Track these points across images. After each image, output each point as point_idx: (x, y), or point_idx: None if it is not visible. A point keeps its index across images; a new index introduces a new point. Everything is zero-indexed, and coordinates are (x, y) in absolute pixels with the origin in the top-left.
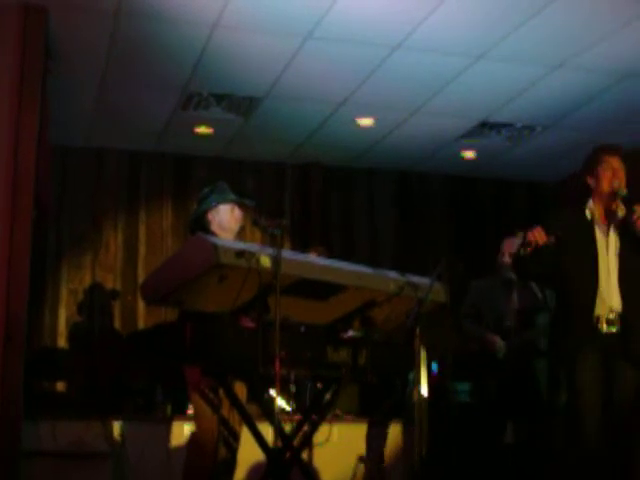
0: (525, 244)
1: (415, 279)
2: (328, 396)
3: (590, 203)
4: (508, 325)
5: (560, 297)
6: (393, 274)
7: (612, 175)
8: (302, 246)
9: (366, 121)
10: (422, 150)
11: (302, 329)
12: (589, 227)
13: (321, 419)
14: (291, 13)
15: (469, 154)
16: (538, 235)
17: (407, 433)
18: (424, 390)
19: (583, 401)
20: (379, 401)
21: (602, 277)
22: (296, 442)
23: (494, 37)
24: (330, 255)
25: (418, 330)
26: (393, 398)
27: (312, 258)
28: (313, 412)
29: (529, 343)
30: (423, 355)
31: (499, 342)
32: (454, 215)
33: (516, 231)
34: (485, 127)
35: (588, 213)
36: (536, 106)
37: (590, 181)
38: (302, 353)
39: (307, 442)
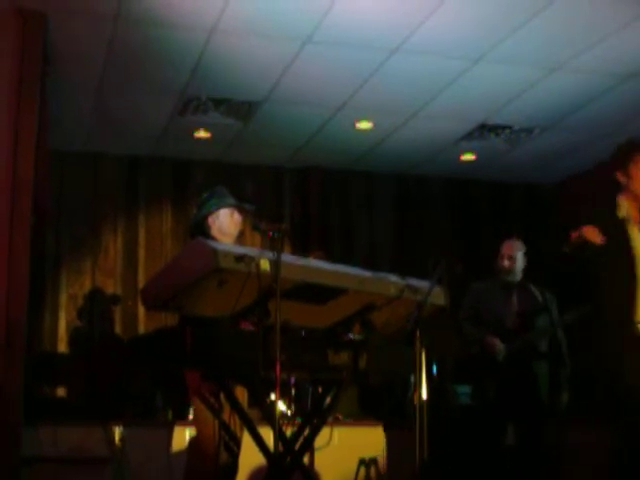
0: (574, 241)
1: (415, 282)
2: (329, 399)
3: (622, 200)
4: (508, 327)
5: (591, 298)
6: (393, 277)
7: None
8: (302, 250)
9: (365, 125)
10: (421, 153)
11: (302, 333)
12: (623, 227)
13: (322, 423)
14: (289, 17)
15: (467, 157)
16: (592, 234)
17: (408, 436)
18: (425, 393)
19: None
20: (380, 404)
21: None
22: (297, 446)
23: (492, 40)
24: (330, 259)
25: (418, 333)
26: (393, 401)
27: (312, 262)
28: (314, 416)
29: (529, 345)
30: (423, 358)
31: (499, 344)
32: (453, 218)
33: (514, 233)
34: (483, 129)
35: (622, 212)
36: (534, 108)
37: (621, 178)
38: (302, 357)
39: (308, 446)
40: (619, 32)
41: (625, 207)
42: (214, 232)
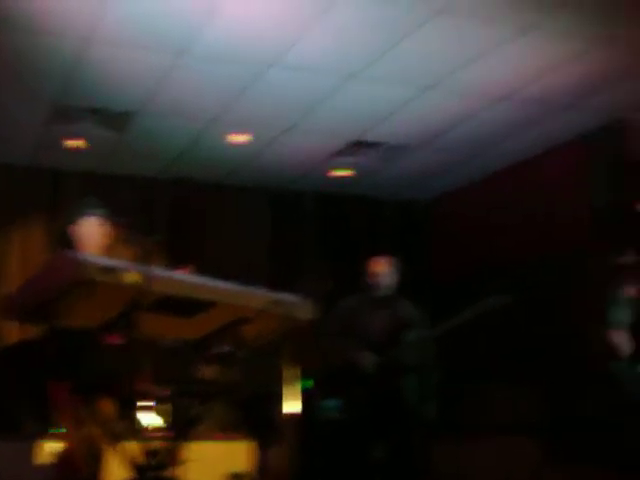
0: None
1: (284, 296)
2: (197, 413)
3: None
4: (376, 342)
5: None
6: (262, 291)
7: None
8: (173, 263)
9: (240, 138)
10: (295, 168)
11: (171, 346)
12: None
13: (190, 436)
14: (166, 29)
15: (342, 173)
16: None
17: (277, 450)
18: (294, 407)
19: None
20: (251, 418)
21: None
22: (164, 459)
23: (368, 57)
24: (201, 272)
25: (286, 347)
26: (262, 415)
27: (181, 275)
28: (182, 429)
29: (397, 359)
30: (294, 372)
31: (368, 358)
32: (327, 233)
33: (387, 249)
34: (358, 146)
35: None
36: (408, 126)
37: None
38: (171, 370)
39: (175, 460)
40: (492, 54)
41: None
42: (81, 242)
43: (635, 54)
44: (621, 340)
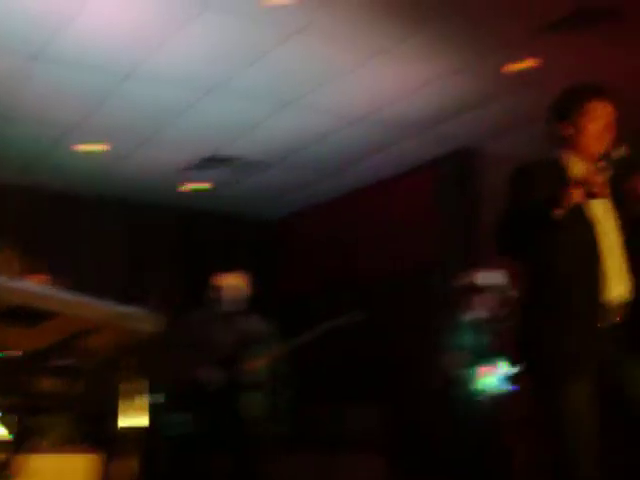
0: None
1: (128, 309)
2: (39, 425)
3: (571, 158)
4: (221, 358)
5: (546, 283)
6: (106, 303)
7: (602, 129)
8: (23, 272)
9: (95, 148)
10: (150, 181)
11: (11, 357)
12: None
13: (31, 449)
14: (18, 32)
15: (196, 187)
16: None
17: (122, 464)
18: (140, 421)
19: (579, 434)
20: (96, 431)
21: (607, 255)
22: (4, 473)
23: (226, 73)
24: (54, 282)
25: (131, 360)
26: (107, 428)
27: (24, 284)
28: (22, 442)
29: (243, 375)
30: (139, 385)
31: (212, 375)
32: (181, 247)
33: (239, 265)
34: (213, 161)
35: (575, 171)
36: (264, 142)
37: (567, 131)
38: (11, 381)
39: (16, 473)
40: (348, 75)
41: (578, 167)
42: None
43: (484, 83)
44: (459, 362)
